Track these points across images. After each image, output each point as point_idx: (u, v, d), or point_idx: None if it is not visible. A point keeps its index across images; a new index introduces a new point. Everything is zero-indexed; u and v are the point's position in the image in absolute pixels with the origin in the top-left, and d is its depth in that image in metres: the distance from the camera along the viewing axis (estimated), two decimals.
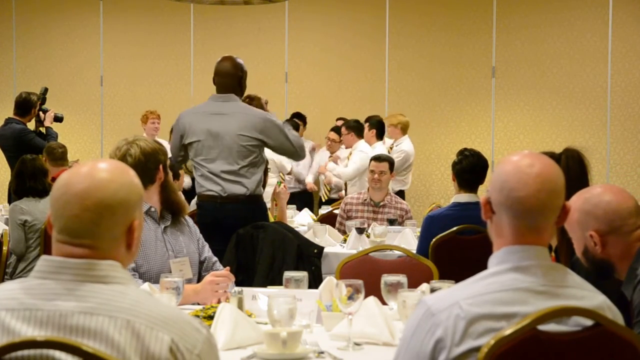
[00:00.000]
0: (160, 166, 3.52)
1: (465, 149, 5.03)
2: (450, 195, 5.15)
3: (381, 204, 6.34)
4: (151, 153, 3.52)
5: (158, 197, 3.55)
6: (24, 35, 11.19)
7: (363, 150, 8.30)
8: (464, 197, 4.89)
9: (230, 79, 5.08)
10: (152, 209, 3.53)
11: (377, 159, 6.46)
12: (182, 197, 3.69)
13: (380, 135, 8.63)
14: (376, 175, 6.34)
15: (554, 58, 9.89)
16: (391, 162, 6.49)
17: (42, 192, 5.73)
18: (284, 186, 5.82)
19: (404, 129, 8.90)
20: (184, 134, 5.09)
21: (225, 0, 7.90)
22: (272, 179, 7.28)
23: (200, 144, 5.01)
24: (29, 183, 5.74)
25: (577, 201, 2.56)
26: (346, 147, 8.72)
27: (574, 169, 3.12)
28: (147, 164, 3.48)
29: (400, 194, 8.39)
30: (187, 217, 3.71)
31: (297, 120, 9.38)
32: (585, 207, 2.53)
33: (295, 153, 5.08)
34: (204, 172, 5.00)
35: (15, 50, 11.22)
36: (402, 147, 8.79)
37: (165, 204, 3.58)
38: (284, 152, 5.12)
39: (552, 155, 3.15)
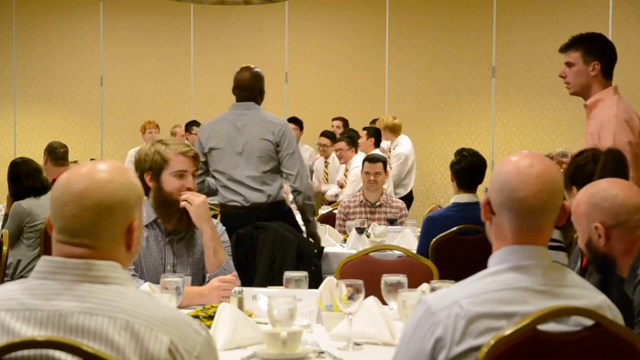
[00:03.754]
0: (146, 175, 3.41)
1: (464, 149, 5.02)
2: (451, 195, 5.14)
3: (377, 203, 6.35)
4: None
5: (154, 206, 3.44)
6: (24, 35, 11.19)
7: (358, 166, 8.24)
8: (464, 198, 4.88)
9: (250, 92, 5.03)
10: (159, 220, 3.45)
11: (371, 159, 6.45)
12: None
13: (377, 143, 8.61)
14: (372, 177, 6.35)
15: (554, 58, 9.85)
16: (384, 162, 6.50)
17: (40, 189, 5.70)
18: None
19: (392, 130, 8.79)
20: (205, 141, 5.00)
21: (225, 0, 7.90)
22: None
23: (221, 151, 4.94)
24: (27, 182, 5.70)
25: (584, 194, 2.56)
26: (343, 162, 8.62)
27: (610, 169, 3.08)
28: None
29: (406, 198, 8.36)
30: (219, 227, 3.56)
31: (294, 125, 9.33)
32: (593, 200, 2.53)
33: (299, 173, 4.93)
34: (225, 182, 4.93)
35: (15, 50, 11.22)
36: (398, 149, 8.73)
37: (159, 213, 3.44)
38: (289, 165, 4.94)
39: (594, 153, 3.15)
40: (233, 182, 4.90)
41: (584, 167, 3.14)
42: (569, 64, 4.01)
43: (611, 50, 4.01)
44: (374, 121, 9.20)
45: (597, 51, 3.96)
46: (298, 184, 4.93)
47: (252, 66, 5.13)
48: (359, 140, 8.57)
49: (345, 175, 8.50)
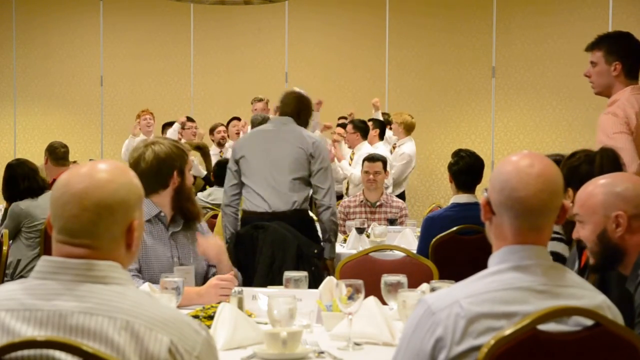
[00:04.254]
0: (175, 172, 3.48)
1: (461, 150, 5.02)
2: (451, 195, 5.14)
3: (377, 203, 6.36)
4: (165, 158, 3.47)
5: (170, 201, 3.51)
6: (24, 35, 11.19)
7: (364, 154, 8.25)
8: (463, 198, 4.88)
9: (290, 108, 5.08)
10: (162, 214, 3.50)
11: (371, 159, 6.49)
12: (198, 204, 3.63)
13: (382, 136, 8.63)
14: (371, 176, 6.37)
15: (554, 58, 9.89)
16: (384, 161, 6.51)
17: (37, 189, 5.67)
18: None
19: (407, 129, 8.83)
20: (238, 150, 5.04)
21: (225, 0, 7.91)
22: None
23: (253, 157, 4.96)
24: (24, 184, 5.66)
25: (596, 185, 2.48)
26: (350, 147, 8.70)
27: (607, 169, 3.06)
28: (160, 169, 3.45)
29: (400, 197, 8.37)
30: (204, 224, 3.66)
31: None
32: (613, 190, 2.46)
33: (330, 189, 4.96)
34: (252, 187, 4.93)
35: (15, 50, 11.22)
36: (404, 149, 8.73)
37: (178, 209, 3.53)
38: (322, 179, 4.96)
39: (586, 154, 3.15)
40: (260, 187, 4.90)
41: (578, 168, 3.13)
42: (593, 64, 3.98)
43: (636, 50, 3.95)
44: (384, 114, 9.21)
45: (619, 51, 3.91)
46: (327, 199, 4.96)
47: (299, 89, 5.27)
48: None
49: (351, 158, 8.54)
